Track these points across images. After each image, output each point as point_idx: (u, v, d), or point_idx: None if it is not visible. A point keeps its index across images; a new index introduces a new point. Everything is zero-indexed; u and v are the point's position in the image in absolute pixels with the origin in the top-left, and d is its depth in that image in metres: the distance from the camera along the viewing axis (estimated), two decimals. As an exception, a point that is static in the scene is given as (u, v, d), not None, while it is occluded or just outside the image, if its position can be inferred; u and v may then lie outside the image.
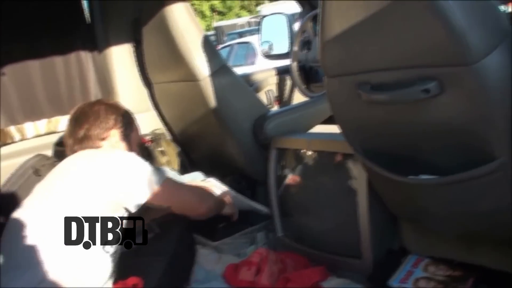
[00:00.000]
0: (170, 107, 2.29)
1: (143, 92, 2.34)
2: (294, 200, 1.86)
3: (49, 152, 2.00)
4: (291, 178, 1.84)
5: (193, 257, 1.68)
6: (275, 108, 2.56)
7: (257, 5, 24.89)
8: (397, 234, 1.60)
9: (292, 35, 2.53)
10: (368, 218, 1.51)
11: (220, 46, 11.32)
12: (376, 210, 1.51)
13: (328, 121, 1.87)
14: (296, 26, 2.54)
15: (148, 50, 2.16)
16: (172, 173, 1.98)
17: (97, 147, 1.60)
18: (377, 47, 1.12)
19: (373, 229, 1.51)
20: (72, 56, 2.15)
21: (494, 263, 1.36)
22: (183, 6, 1.89)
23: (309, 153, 1.76)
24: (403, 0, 1.03)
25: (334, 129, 1.45)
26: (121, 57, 2.27)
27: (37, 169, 1.84)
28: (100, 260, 1.44)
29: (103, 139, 1.61)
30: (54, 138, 2.09)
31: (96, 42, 2.23)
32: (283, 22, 2.62)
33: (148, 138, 2.19)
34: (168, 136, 2.34)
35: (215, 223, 1.85)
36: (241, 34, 13.43)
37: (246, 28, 15.63)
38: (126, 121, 1.68)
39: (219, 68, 1.92)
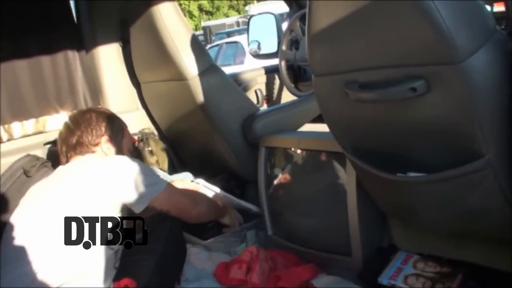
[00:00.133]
0: (159, 106, 2.28)
1: (132, 91, 2.33)
2: (284, 199, 1.87)
3: (37, 152, 1.98)
4: (281, 176, 1.85)
5: (184, 256, 1.69)
6: (264, 107, 2.56)
7: (245, 4, 24.89)
8: (386, 232, 1.62)
9: (280, 35, 2.54)
10: (357, 215, 1.52)
11: (209, 46, 11.29)
12: (366, 208, 1.52)
13: (317, 119, 1.88)
14: (284, 25, 2.55)
15: (136, 49, 2.15)
16: (162, 173, 1.98)
17: (92, 152, 1.65)
18: (365, 46, 1.13)
19: (362, 227, 1.52)
20: (59, 56, 2.13)
21: (482, 259, 1.38)
22: (171, 5, 1.89)
23: (299, 151, 1.77)
24: (389, -1, 1.04)
25: (323, 127, 1.45)
26: (108, 57, 2.26)
27: (27, 170, 1.82)
28: (103, 259, 1.46)
29: (95, 145, 1.66)
30: (42, 138, 2.07)
31: (83, 42, 2.21)
32: (271, 21, 2.63)
33: (136, 137, 2.18)
34: (157, 135, 2.33)
35: (205, 222, 1.85)
36: (229, 34, 13.41)
37: (235, 28, 15.62)
38: (117, 128, 1.73)
39: (208, 68, 1.92)
